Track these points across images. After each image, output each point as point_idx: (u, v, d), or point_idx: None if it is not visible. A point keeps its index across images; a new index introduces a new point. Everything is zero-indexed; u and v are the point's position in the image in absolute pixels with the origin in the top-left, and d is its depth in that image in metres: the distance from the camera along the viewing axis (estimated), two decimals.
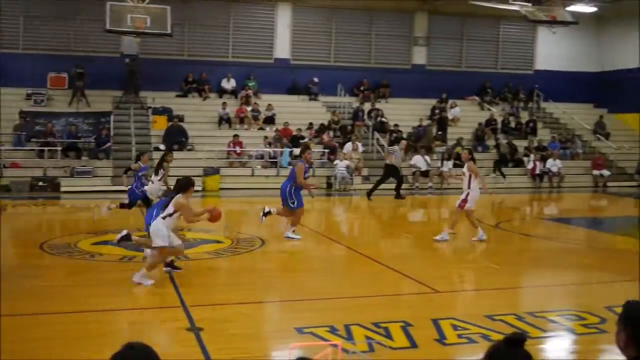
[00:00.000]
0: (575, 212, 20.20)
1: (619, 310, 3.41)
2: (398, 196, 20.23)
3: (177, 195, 8.79)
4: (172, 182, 10.40)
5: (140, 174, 13.26)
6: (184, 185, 8.91)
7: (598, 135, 29.27)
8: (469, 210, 12.60)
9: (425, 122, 27.14)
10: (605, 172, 26.20)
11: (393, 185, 20.44)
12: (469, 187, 12.52)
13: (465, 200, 12.49)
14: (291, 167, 14.51)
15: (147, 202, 12.83)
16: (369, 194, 19.96)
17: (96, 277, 9.31)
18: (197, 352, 6.24)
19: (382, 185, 20.32)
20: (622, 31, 31.06)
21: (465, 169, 12.66)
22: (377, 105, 27.86)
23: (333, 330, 6.98)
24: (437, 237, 12.67)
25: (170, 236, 8.79)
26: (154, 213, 9.30)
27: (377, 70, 29.78)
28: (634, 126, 30.44)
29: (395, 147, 21.31)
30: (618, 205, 20.52)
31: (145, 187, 13.01)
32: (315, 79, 28.38)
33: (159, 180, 12.92)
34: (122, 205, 13.50)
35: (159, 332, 7.16)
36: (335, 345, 5.54)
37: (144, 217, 10.84)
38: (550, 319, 7.69)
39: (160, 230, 8.66)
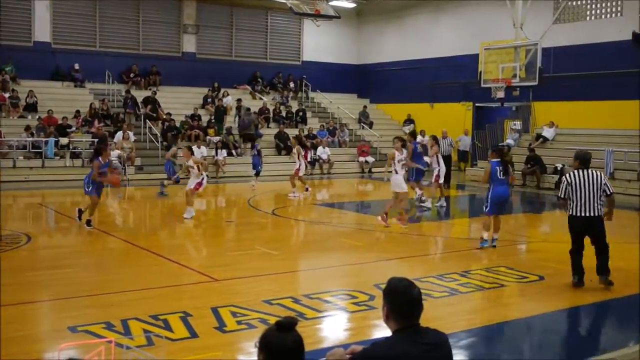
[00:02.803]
0: (345, 196, 21.29)
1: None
2: None
3: None
4: None
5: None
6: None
7: (362, 124, 31.10)
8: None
9: (246, 111, 27.21)
10: (370, 159, 27.96)
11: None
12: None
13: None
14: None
15: None
16: None
17: None
18: None
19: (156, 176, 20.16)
20: (379, 27, 33.28)
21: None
22: (148, 93, 27.16)
23: (109, 326, 6.73)
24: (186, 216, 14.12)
25: None
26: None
27: (147, 57, 29.09)
28: (394, 116, 32.81)
29: None
30: (382, 189, 21.96)
31: None
32: (77, 66, 27.02)
33: None
34: None
35: None
36: (109, 342, 5.30)
37: None
38: (325, 299, 8.02)
39: None
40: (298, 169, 18.89)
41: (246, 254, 11.11)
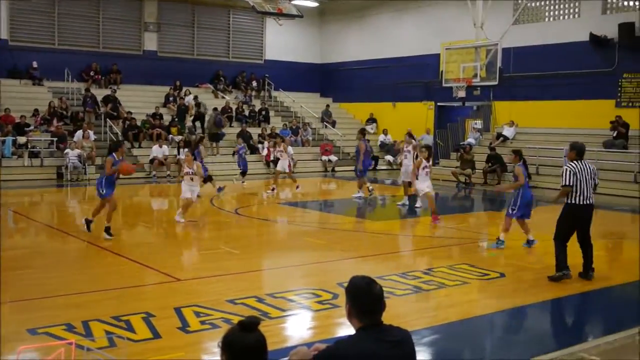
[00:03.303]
0: (308, 196, 21.24)
1: None
2: None
3: None
4: None
5: None
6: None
7: (325, 123, 31.15)
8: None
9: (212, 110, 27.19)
10: (333, 158, 28.04)
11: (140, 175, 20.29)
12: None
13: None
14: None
15: None
16: None
17: None
18: None
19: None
20: (341, 26, 33.37)
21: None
22: (109, 92, 26.81)
23: (70, 328, 6.63)
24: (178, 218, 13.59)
25: None
26: None
27: (107, 55, 28.72)
28: (357, 115, 32.93)
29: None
30: (345, 188, 22.01)
31: None
32: (35, 64, 26.56)
33: None
34: None
35: None
36: (70, 343, 5.24)
37: None
38: (289, 298, 8.02)
39: None
40: (290, 165, 20.51)
41: (209, 253, 11.06)
